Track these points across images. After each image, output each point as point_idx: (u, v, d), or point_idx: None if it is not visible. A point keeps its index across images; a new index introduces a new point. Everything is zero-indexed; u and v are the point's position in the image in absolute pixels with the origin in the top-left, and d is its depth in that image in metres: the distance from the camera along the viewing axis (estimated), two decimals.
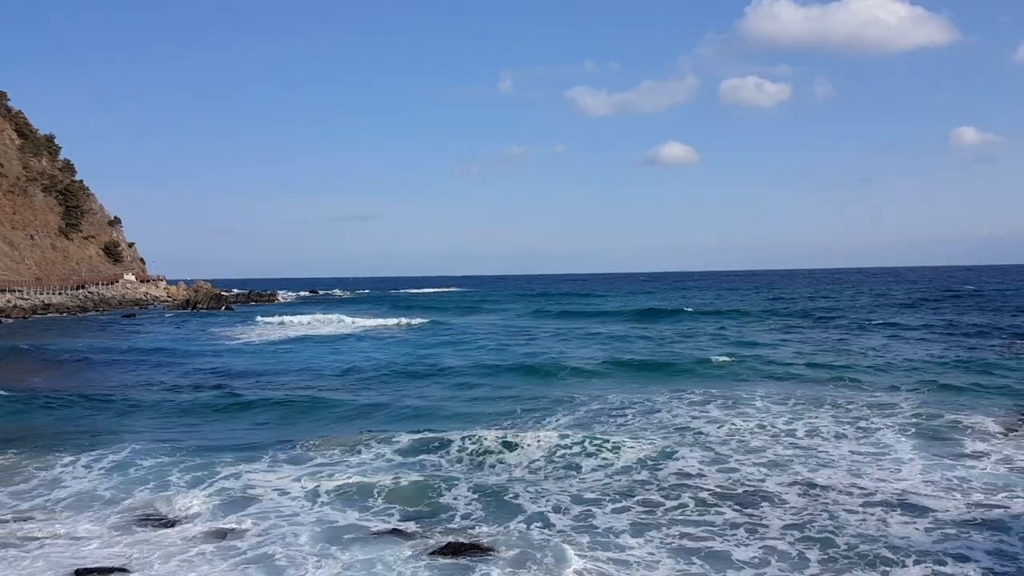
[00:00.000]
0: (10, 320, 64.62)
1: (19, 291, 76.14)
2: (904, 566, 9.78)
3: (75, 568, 9.99)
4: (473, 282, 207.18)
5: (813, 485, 13.05)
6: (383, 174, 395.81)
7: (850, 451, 15.43)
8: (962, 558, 9.98)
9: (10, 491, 13.58)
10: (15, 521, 11.92)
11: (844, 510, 11.77)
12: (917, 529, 10.99)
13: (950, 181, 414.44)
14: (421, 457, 15.63)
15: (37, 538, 11.18)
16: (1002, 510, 11.71)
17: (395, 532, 11.21)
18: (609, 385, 24.94)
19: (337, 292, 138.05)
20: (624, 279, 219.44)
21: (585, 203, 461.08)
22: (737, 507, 12.02)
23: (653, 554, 10.22)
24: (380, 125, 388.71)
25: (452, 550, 10.29)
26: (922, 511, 11.68)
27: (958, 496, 12.38)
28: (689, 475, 13.85)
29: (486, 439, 16.30)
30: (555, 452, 15.51)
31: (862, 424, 17.80)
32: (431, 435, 16.97)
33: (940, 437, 16.39)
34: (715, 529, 11.17)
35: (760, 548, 10.40)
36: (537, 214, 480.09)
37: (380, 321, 56.38)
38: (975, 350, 31.98)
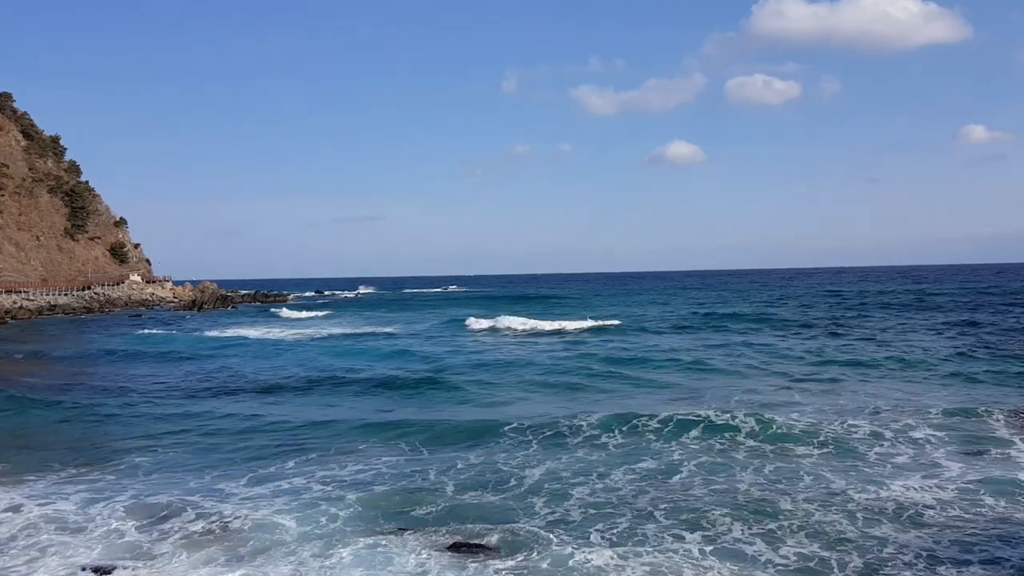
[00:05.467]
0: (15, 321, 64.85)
1: (25, 292, 76.40)
2: (914, 569, 9.71)
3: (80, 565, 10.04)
4: (479, 283, 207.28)
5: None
6: (387, 175, 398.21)
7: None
8: (970, 564, 9.91)
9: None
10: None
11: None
12: (926, 532, 10.90)
13: (959, 179, 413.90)
14: None
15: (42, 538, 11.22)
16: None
17: None
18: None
19: (316, 292, 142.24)
20: (626, 279, 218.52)
21: (591, 202, 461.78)
22: None
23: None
24: (383, 126, 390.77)
25: None
26: (933, 515, 11.60)
27: (970, 498, 12.27)
28: None
29: None
30: None
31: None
32: None
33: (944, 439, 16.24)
34: None
35: None
36: (542, 214, 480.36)
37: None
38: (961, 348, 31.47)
